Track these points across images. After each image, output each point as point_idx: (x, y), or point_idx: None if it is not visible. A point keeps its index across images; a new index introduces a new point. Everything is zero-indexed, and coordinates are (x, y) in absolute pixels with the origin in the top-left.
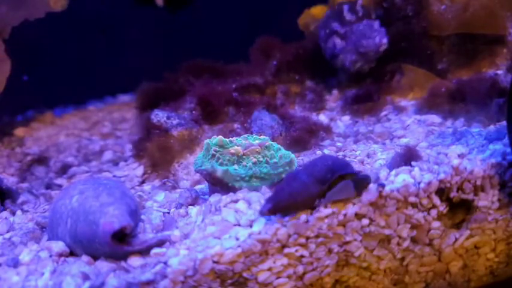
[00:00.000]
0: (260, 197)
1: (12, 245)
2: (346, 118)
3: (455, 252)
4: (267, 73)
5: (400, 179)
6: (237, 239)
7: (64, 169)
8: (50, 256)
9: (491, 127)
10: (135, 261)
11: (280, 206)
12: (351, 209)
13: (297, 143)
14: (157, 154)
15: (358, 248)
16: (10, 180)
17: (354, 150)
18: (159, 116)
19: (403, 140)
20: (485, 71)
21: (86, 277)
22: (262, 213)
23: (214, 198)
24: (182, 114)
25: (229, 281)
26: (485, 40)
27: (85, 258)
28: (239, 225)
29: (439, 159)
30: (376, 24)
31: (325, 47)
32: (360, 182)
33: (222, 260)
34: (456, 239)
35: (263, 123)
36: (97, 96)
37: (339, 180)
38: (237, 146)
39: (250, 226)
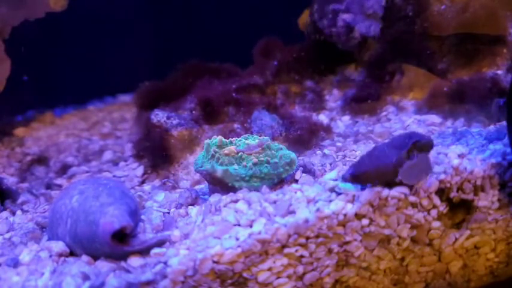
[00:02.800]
0: (260, 197)
1: (12, 245)
2: (346, 118)
3: (455, 252)
4: (267, 73)
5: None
6: (237, 239)
7: (64, 169)
8: (50, 256)
9: (491, 127)
10: (135, 261)
11: (361, 170)
12: (351, 209)
13: (297, 143)
14: (157, 154)
15: (358, 248)
16: (10, 180)
17: (354, 150)
18: (159, 116)
19: None
20: (485, 71)
21: (86, 277)
22: (344, 178)
23: (214, 198)
24: (182, 114)
25: (229, 281)
26: (485, 40)
27: (85, 258)
28: (239, 225)
29: (439, 159)
30: None
31: (338, 32)
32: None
33: (222, 260)
34: (456, 239)
35: (263, 123)
36: (97, 96)
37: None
38: (234, 146)
39: (250, 226)
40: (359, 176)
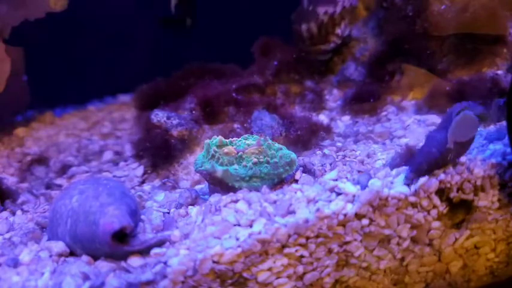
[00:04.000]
0: (260, 197)
1: (12, 245)
2: (346, 118)
3: (455, 252)
4: (267, 73)
5: (400, 179)
6: (237, 239)
7: (64, 169)
8: (50, 256)
9: (491, 127)
10: (135, 261)
11: (417, 162)
12: (351, 209)
13: (297, 143)
14: (157, 154)
15: (358, 248)
16: (10, 180)
17: (354, 150)
18: (159, 116)
19: (403, 140)
20: (486, 71)
21: (86, 277)
22: (408, 179)
23: (214, 198)
24: (182, 114)
25: (229, 281)
26: (485, 40)
27: (85, 258)
28: (239, 225)
29: None
30: None
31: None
32: (481, 116)
33: (222, 260)
34: (456, 239)
35: (263, 123)
36: (97, 96)
37: None
38: (234, 146)
39: (250, 226)
40: (419, 169)
